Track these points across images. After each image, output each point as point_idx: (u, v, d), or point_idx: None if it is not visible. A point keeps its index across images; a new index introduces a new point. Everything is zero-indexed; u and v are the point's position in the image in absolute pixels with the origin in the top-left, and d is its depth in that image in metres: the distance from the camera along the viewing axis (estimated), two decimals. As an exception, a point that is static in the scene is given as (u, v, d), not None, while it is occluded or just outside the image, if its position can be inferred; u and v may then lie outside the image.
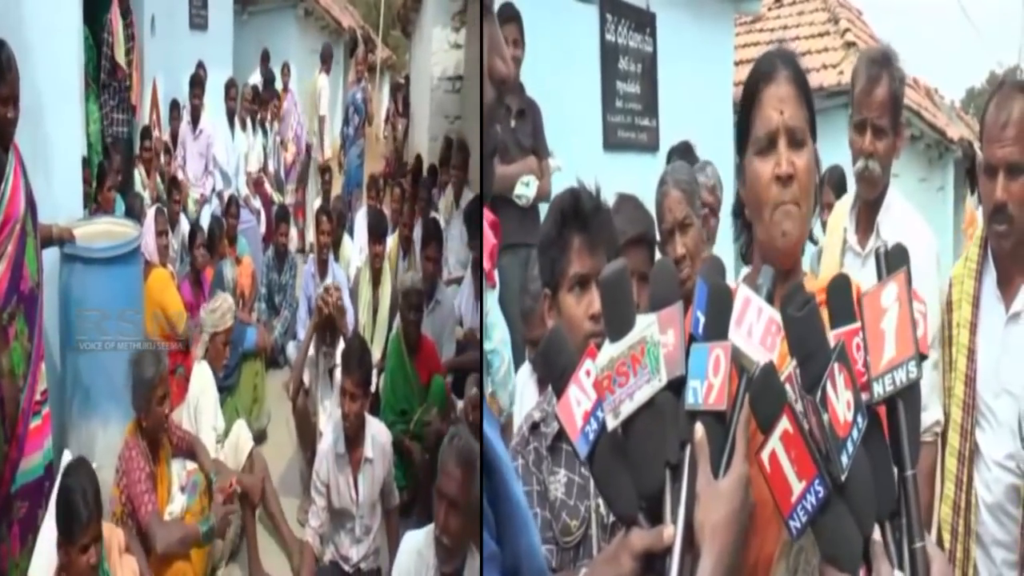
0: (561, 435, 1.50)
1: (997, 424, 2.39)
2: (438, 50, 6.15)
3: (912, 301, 1.23)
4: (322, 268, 4.81)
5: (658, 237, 2.73)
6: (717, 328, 1.21)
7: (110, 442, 3.57)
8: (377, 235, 4.66)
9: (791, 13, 8.88)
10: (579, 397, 1.28)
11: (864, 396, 1.20)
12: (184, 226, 5.00)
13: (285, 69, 6.51)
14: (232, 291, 4.70)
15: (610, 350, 1.22)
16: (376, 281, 4.65)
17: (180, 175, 5.36)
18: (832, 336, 1.21)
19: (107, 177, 4.56)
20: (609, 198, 2.52)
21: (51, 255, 3.58)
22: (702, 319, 1.23)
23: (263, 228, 5.51)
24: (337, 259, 5.00)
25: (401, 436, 3.95)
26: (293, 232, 5.58)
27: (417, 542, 2.90)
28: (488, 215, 3.31)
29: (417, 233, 4.86)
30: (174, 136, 5.53)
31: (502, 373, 3.24)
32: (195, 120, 5.60)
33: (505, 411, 3.10)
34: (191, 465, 3.62)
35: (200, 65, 5.74)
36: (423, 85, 6.34)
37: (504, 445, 1.61)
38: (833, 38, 8.10)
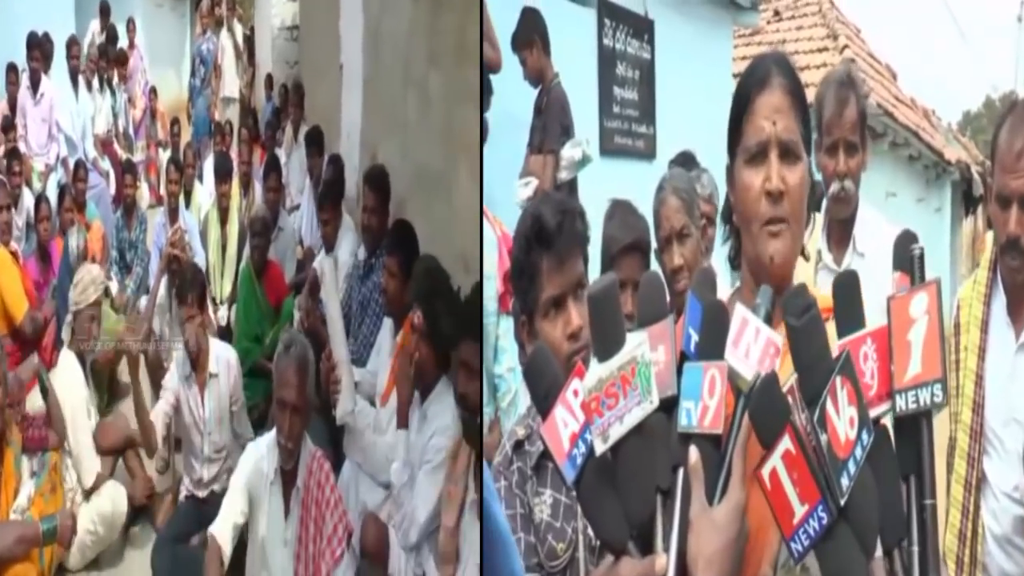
0: (547, 453, 1.43)
1: (1005, 453, 2.31)
2: (277, 2, 6.25)
3: (942, 319, 1.15)
4: (173, 217, 4.74)
5: (655, 245, 2.65)
6: (712, 347, 1.15)
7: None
8: (222, 175, 4.72)
9: (790, 27, 8.76)
10: (566, 418, 1.22)
11: (884, 406, 1.13)
12: (28, 200, 4.77)
13: (130, 24, 6.26)
14: (82, 259, 4.55)
15: (599, 370, 1.17)
16: (223, 219, 4.69)
17: (22, 146, 5.13)
18: (837, 346, 1.14)
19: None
20: (604, 204, 2.57)
21: None
22: (694, 336, 1.17)
23: (113, 189, 5.29)
24: (189, 207, 4.93)
25: (258, 358, 4.04)
26: (145, 188, 5.44)
27: (258, 452, 2.96)
28: (507, 239, 3.16)
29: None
30: (12, 103, 5.24)
31: (507, 401, 3.16)
32: (35, 84, 5.29)
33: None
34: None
35: (38, 24, 5.32)
36: (265, 35, 6.41)
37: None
38: (832, 54, 7.93)
